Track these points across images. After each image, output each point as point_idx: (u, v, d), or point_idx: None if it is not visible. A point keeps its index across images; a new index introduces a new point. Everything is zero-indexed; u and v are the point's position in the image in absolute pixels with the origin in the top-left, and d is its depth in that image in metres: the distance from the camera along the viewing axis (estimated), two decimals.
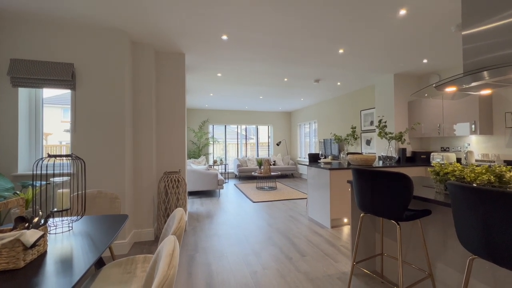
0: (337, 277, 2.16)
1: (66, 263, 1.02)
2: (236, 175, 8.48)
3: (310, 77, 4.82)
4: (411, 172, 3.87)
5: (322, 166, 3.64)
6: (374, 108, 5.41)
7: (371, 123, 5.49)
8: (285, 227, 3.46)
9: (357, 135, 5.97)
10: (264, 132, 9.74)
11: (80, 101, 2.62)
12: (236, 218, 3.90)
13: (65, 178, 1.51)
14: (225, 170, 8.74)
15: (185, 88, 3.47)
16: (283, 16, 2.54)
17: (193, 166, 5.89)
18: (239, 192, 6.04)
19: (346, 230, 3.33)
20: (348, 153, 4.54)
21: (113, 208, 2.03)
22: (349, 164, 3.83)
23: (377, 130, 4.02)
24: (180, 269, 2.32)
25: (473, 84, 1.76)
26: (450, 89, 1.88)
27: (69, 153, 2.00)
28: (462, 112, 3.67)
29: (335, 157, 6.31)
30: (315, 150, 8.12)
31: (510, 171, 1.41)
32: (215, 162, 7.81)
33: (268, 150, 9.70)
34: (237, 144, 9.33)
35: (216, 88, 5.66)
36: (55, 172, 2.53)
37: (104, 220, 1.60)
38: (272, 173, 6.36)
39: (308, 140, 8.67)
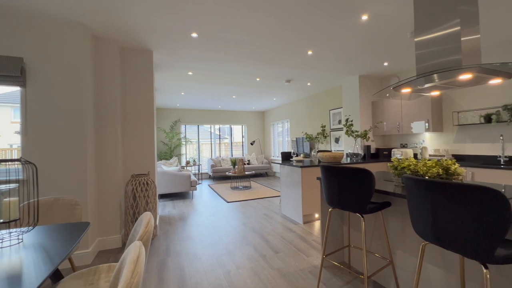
0: (308, 271, 2.24)
1: (14, 280, 0.92)
2: (210, 175, 8.35)
3: (282, 77, 4.92)
4: (375, 167, 4.15)
5: (294, 164, 3.74)
6: (341, 107, 5.69)
7: (339, 122, 5.78)
8: (259, 226, 3.49)
9: (326, 134, 6.23)
10: (238, 131, 9.72)
11: (32, 100, 2.37)
12: (210, 219, 3.85)
13: (13, 185, 1.36)
14: (199, 171, 8.56)
15: (153, 87, 3.33)
16: (253, 17, 2.55)
17: (164, 167, 5.68)
18: (213, 193, 5.96)
19: (317, 225, 3.47)
20: (318, 151, 4.72)
21: (73, 216, 1.88)
22: (319, 161, 3.98)
23: (345, 129, 4.26)
24: (151, 276, 2.22)
25: (425, 85, 1.94)
26: (406, 90, 2.05)
27: (20, 157, 1.80)
28: (418, 111, 4.02)
29: (307, 155, 6.53)
30: (288, 148, 8.31)
31: (454, 164, 1.58)
32: (188, 163, 7.61)
33: (243, 150, 9.70)
34: (211, 144, 9.19)
35: (188, 87, 5.52)
36: (1, 179, 2.26)
37: (62, 230, 1.47)
38: (246, 173, 6.38)
39: (281, 139, 8.85)
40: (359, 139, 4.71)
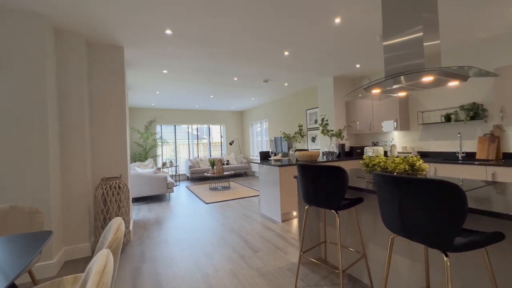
0: (287, 268, 2.27)
1: None
2: (188, 177, 8.15)
3: (260, 77, 4.94)
4: (349, 165, 4.32)
5: (272, 163, 3.77)
6: (317, 107, 5.85)
7: (316, 121, 5.94)
8: (238, 226, 3.47)
9: (303, 133, 6.38)
10: (216, 131, 9.59)
11: None
12: (188, 222, 3.75)
13: None
14: (176, 172, 8.32)
15: (125, 85, 3.16)
16: (228, 17, 2.52)
17: (139, 169, 5.43)
18: (191, 194, 5.83)
19: (296, 223, 3.53)
20: (295, 150, 4.81)
21: (33, 225, 1.72)
22: (297, 160, 4.06)
23: (321, 128, 4.40)
24: (124, 284, 2.11)
25: (393, 87, 2.05)
26: (376, 91, 2.16)
27: None
28: (387, 111, 4.26)
29: (285, 155, 6.62)
30: (267, 148, 8.37)
31: (419, 161, 1.69)
32: (164, 164, 7.35)
33: (221, 150, 9.60)
34: (189, 144, 8.97)
35: (163, 85, 5.33)
36: None
37: (19, 240, 1.34)
38: (225, 173, 6.32)
39: (260, 139, 8.89)
40: (334, 138, 4.88)
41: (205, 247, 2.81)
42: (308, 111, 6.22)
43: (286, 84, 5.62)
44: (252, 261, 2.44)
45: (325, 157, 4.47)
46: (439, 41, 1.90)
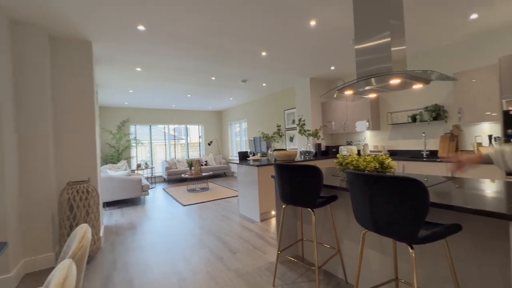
0: (265, 268, 2.28)
1: None
2: (165, 178, 7.89)
3: (238, 77, 4.92)
4: (325, 164, 4.46)
5: (251, 163, 3.77)
6: (295, 108, 5.97)
7: (293, 121, 6.05)
8: (217, 227, 3.43)
9: (282, 133, 6.46)
10: (195, 132, 9.39)
11: None
12: (164, 225, 3.62)
13: None
14: (152, 174, 8.01)
15: (93, 82, 2.97)
16: (203, 15, 2.48)
17: (111, 172, 5.14)
18: (168, 197, 5.64)
19: (274, 222, 3.56)
20: (274, 150, 4.86)
21: None
22: (275, 160, 4.10)
23: (298, 128, 4.49)
24: None
25: (365, 88, 2.15)
26: (348, 92, 2.24)
27: None
28: (360, 112, 4.46)
29: (264, 154, 6.67)
30: (246, 148, 8.37)
31: (388, 159, 1.78)
32: (139, 166, 7.05)
33: (200, 150, 9.42)
34: (165, 145, 8.68)
35: (136, 84, 5.10)
36: None
37: None
38: (204, 174, 6.21)
39: (239, 139, 8.86)
40: (311, 138, 5.01)
41: (182, 250, 2.73)
42: (286, 112, 6.31)
43: (264, 84, 5.66)
44: (231, 262, 2.41)
45: (302, 156, 4.57)
46: (405, 47, 2.02)
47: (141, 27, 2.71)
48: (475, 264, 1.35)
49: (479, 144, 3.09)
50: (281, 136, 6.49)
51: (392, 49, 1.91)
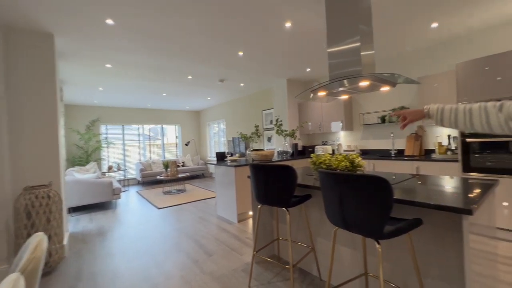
0: (241, 269, 2.26)
1: None
2: (139, 181, 7.55)
3: (215, 76, 4.85)
4: (301, 163, 4.55)
5: (228, 164, 3.74)
6: (273, 108, 6.02)
7: (271, 122, 6.11)
8: (193, 230, 3.35)
9: (260, 133, 6.50)
10: (171, 132, 9.11)
11: None
12: (137, 230, 3.46)
13: None
14: (125, 177, 7.63)
15: (56, 78, 2.75)
16: (177, 12, 2.40)
17: (78, 175, 4.81)
18: (142, 199, 5.40)
19: (251, 222, 3.56)
20: (252, 150, 4.87)
21: None
22: (253, 160, 4.10)
23: (275, 128, 4.56)
24: None
25: (338, 89, 2.21)
26: (322, 94, 2.30)
27: None
28: (334, 113, 4.62)
29: (242, 155, 6.65)
30: (224, 149, 8.29)
31: (358, 158, 1.86)
32: (110, 168, 6.67)
33: (177, 151, 9.15)
34: (140, 146, 8.31)
35: (107, 81, 4.82)
36: None
37: None
38: (180, 175, 6.04)
39: (217, 139, 8.75)
40: (288, 138, 5.08)
41: (156, 255, 2.62)
42: (264, 112, 6.35)
43: (242, 84, 5.65)
44: (206, 265, 2.36)
45: (279, 156, 4.62)
46: (373, 51, 2.13)
47: (110, 21, 2.57)
48: (435, 255, 1.44)
49: (440, 144, 3.34)
50: (259, 136, 6.54)
51: (361, 53, 1.99)
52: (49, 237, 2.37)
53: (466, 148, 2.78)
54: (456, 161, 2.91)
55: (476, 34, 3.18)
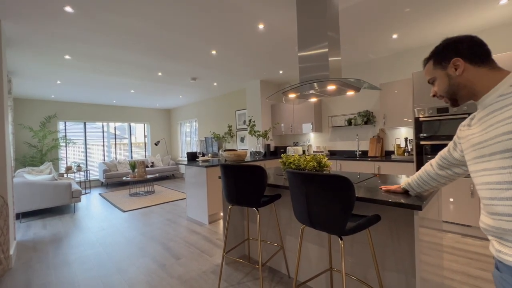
0: (211, 271, 2.23)
1: None
2: (102, 182, 7.05)
3: (187, 74, 4.72)
4: (273, 164, 4.63)
5: (200, 164, 3.66)
6: (246, 109, 6.04)
7: (244, 122, 6.12)
8: (161, 233, 3.21)
9: (233, 133, 6.47)
10: (140, 130, 8.65)
11: None
12: (98, 235, 3.22)
13: None
14: (87, 178, 7.06)
15: (2, 67, 2.45)
16: (147, 5, 2.30)
17: (29, 177, 4.33)
18: (106, 202, 5.05)
19: (223, 223, 3.52)
20: (225, 150, 4.82)
21: None
22: (226, 160, 4.06)
23: (248, 129, 4.57)
24: None
25: (309, 92, 2.28)
26: (292, 96, 2.37)
27: None
28: (305, 115, 4.78)
29: (215, 155, 6.56)
30: (196, 149, 8.10)
31: (324, 158, 1.94)
32: (69, 169, 6.12)
33: (145, 151, 8.72)
34: (104, 145, 7.76)
35: (66, 74, 4.42)
36: None
37: None
38: (149, 176, 5.76)
39: (189, 139, 8.52)
40: (260, 139, 5.13)
41: (119, 262, 2.47)
42: (237, 112, 6.34)
43: (215, 84, 5.57)
44: (174, 269, 2.28)
45: (252, 156, 4.65)
46: (340, 58, 2.24)
47: (68, 9, 2.36)
48: (391, 248, 1.56)
49: (398, 146, 3.63)
50: (232, 137, 6.50)
51: (329, 59, 2.08)
52: None
53: (420, 149, 3.06)
54: (412, 161, 3.19)
55: (430, 45, 3.52)
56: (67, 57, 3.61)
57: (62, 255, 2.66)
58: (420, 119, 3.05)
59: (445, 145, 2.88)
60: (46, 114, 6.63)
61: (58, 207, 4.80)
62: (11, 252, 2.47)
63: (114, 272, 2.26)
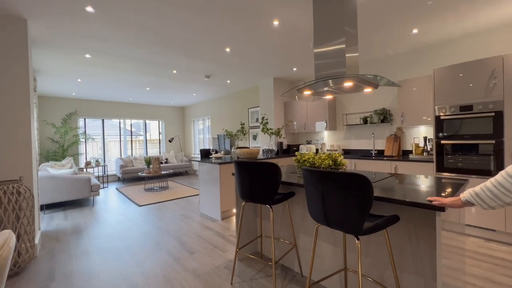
0: (224, 267, 2.25)
1: None
2: (119, 177, 7.29)
3: (201, 72, 4.76)
4: (286, 161, 4.60)
5: (213, 161, 3.70)
6: (259, 106, 6.03)
7: (257, 120, 6.11)
8: (176, 228, 3.28)
9: (245, 131, 6.48)
10: (154, 127, 8.85)
11: None
12: (116, 228, 3.34)
13: None
14: (104, 173, 7.33)
15: (29, 67, 2.58)
16: (166, 4, 2.33)
17: (52, 171, 4.55)
18: (122, 197, 5.22)
19: (235, 220, 3.55)
20: (237, 148, 4.85)
21: None
22: (238, 157, 4.08)
23: (261, 126, 4.56)
24: None
25: (323, 89, 2.25)
26: (307, 93, 2.33)
27: None
28: (319, 113, 4.70)
29: (227, 152, 6.60)
30: (209, 146, 8.19)
31: (340, 157, 1.90)
32: (88, 164, 6.37)
33: (160, 147, 8.93)
34: (121, 141, 8.01)
35: (86, 72, 4.59)
36: None
37: None
38: (163, 172, 5.90)
39: (202, 136, 8.63)
40: (273, 136, 5.11)
41: (136, 254, 2.55)
42: (250, 110, 6.34)
43: (228, 81, 5.59)
44: (188, 263, 2.33)
45: (265, 154, 4.64)
46: (357, 54, 2.18)
47: (89, 9, 2.44)
48: (409, 250, 1.52)
49: (417, 145, 3.51)
50: (244, 134, 6.52)
51: (346, 55, 2.03)
52: (19, 236, 2.23)
53: (440, 149, 2.94)
54: (431, 161, 3.07)
55: (452, 41, 3.36)
56: (87, 55, 3.74)
57: (82, 246, 2.78)
58: (441, 118, 2.92)
59: (468, 145, 2.75)
60: (67, 111, 6.92)
61: (78, 200, 5.01)
62: (36, 241, 2.61)
63: (131, 264, 2.34)
